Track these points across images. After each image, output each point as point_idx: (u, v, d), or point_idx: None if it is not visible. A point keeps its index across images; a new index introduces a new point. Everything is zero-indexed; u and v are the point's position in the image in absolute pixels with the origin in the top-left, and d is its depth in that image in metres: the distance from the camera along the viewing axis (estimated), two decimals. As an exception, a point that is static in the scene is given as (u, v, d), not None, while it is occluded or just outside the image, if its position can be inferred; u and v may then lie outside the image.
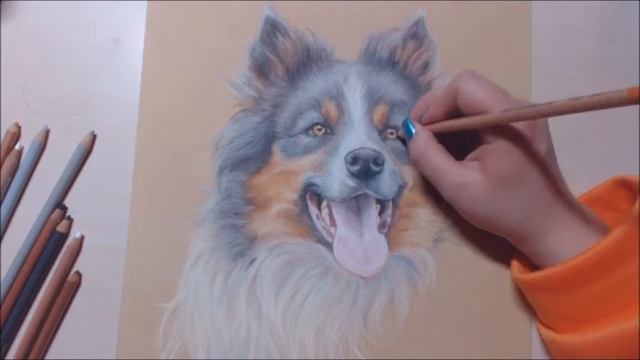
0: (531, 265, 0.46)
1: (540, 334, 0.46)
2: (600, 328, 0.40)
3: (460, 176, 0.43)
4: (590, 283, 0.40)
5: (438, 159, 0.45)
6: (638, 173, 0.50)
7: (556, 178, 0.43)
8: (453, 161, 0.45)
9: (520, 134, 0.41)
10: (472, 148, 0.45)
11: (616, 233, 0.39)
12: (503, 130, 0.41)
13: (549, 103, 0.36)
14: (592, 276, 0.40)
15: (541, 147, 0.41)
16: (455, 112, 0.44)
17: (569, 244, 0.42)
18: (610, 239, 0.39)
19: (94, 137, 0.53)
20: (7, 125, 0.53)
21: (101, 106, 0.54)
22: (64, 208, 0.52)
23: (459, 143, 0.46)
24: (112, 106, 0.54)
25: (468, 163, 0.44)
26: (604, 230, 0.43)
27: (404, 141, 0.51)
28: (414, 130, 0.47)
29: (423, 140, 0.46)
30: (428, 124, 0.47)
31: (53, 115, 0.54)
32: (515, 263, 0.47)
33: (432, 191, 0.49)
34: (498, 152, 0.41)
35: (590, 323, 0.41)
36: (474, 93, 0.42)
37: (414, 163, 0.47)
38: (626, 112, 0.52)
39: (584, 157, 0.52)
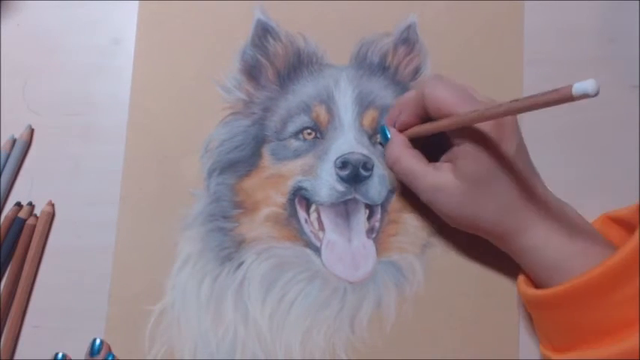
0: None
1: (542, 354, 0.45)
2: (601, 346, 0.39)
3: (434, 179, 0.44)
4: (596, 300, 0.39)
5: (411, 163, 0.45)
6: (637, 172, 0.50)
7: (529, 175, 0.43)
8: (426, 165, 0.45)
9: (487, 135, 0.41)
10: (445, 152, 0.45)
11: (628, 249, 0.38)
12: (471, 131, 0.42)
13: (512, 101, 0.36)
14: (599, 292, 0.39)
15: (510, 146, 0.42)
16: (427, 116, 0.45)
17: (548, 240, 0.42)
18: (623, 254, 0.38)
19: (32, 131, 0.53)
20: (7, 125, 0.53)
21: (101, 106, 0.54)
22: (20, 205, 0.52)
23: (434, 147, 0.47)
24: (112, 106, 0.54)
25: (441, 165, 0.45)
26: (584, 225, 0.44)
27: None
28: (389, 136, 0.47)
29: (397, 145, 0.46)
30: (402, 130, 0.47)
31: (53, 115, 0.54)
32: (521, 277, 0.46)
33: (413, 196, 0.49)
34: (467, 154, 0.42)
35: (591, 342, 0.40)
36: (440, 96, 0.42)
37: (390, 168, 0.47)
38: (626, 110, 0.52)
39: (582, 156, 0.52)
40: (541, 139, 0.52)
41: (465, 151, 0.42)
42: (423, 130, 0.45)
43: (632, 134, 0.52)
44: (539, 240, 0.42)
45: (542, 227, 0.43)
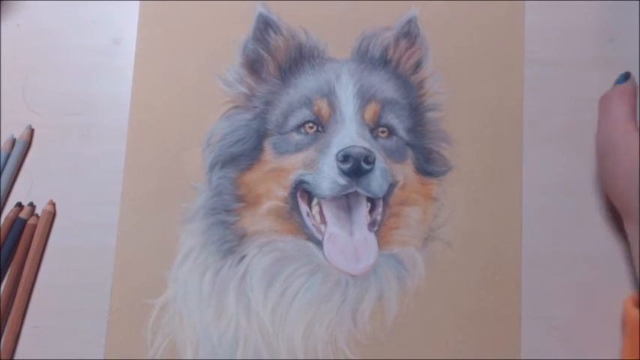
0: None
1: None
2: None
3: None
4: None
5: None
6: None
7: None
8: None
9: None
10: None
11: None
12: None
13: None
14: None
15: None
16: None
17: None
18: None
19: (31, 131, 0.53)
20: (7, 125, 0.53)
21: (101, 106, 0.54)
22: (21, 206, 0.52)
23: None
24: (112, 106, 0.54)
25: None
26: None
27: (395, 141, 0.51)
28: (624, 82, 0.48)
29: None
30: None
31: (53, 115, 0.54)
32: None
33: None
34: None
35: None
36: None
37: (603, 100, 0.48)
38: None
39: (582, 156, 0.52)
40: (541, 139, 0.52)
41: None
42: None
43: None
44: None
45: None
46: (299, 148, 0.51)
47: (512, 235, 0.50)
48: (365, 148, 0.48)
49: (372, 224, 0.50)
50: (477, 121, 0.52)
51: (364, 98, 0.51)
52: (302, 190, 0.50)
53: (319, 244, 0.50)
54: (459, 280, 0.50)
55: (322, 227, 0.50)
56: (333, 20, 0.53)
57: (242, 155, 0.51)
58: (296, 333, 0.49)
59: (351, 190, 0.48)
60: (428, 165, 0.52)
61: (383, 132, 0.51)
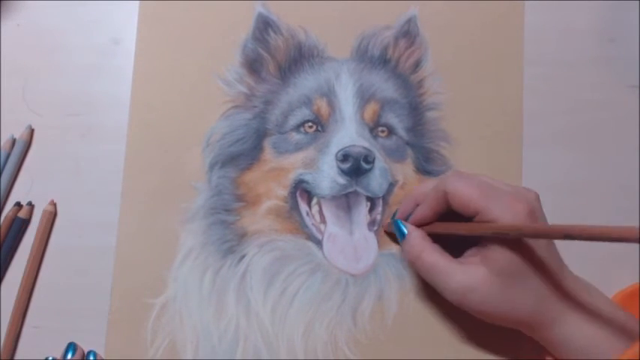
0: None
1: None
2: None
3: (465, 277, 0.41)
4: None
5: (436, 260, 0.43)
6: (637, 172, 0.51)
7: (559, 263, 0.43)
8: (452, 261, 0.42)
9: None
10: (466, 242, 0.44)
11: None
12: (501, 226, 0.40)
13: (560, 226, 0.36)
14: None
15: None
16: (443, 212, 0.44)
17: (580, 329, 0.41)
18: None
19: (31, 131, 0.53)
20: (7, 125, 0.53)
21: (101, 106, 0.54)
22: (19, 205, 0.52)
23: (454, 241, 0.44)
24: (112, 106, 0.54)
25: (468, 260, 0.43)
26: (610, 309, 0.42)
27: (394, 140, 0.51)
28: (406, 231, 0.45)
29: (418, 241, 0.44)
30: (418, 225, 0.46)
31: (53, 115, 0.54)
32: None
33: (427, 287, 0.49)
34: (498, 247, 0.41)
35: None
36: (465, 193, 0.41)
37: (410, 265, 0.47)
38: (626, 110, 0.52)
39: (582, 156, 0.52)
40: (541, 139, 0.52)
41: (496, 245, 0.41)
42: (443, 229, 0.44)
43: (632, 134, 0.52)
44: (573, 328, 0.41)
45: (574, 316, 0.42)
46: (299, 147, 0.51)
47: (512, 234, 0.50)
48: (364, 148, 0.48)
49: (371, 223, 0.50)
50: (476, 120, 0.52)
51: (364, 97, 0.51)
52: (302, 190, 0.50)
53: (319, 243, 0.50)
54: (459, 280, 0.50)
55: (322, 227, 0.50)
56: (332, 20, 0.53)
57: (242, 155, 0.51)
58: (296, 333, 0.49)
59: (350, 190, 0.49)
60: (428, 164, 0.52)
61: (382, 131, 0.51)
